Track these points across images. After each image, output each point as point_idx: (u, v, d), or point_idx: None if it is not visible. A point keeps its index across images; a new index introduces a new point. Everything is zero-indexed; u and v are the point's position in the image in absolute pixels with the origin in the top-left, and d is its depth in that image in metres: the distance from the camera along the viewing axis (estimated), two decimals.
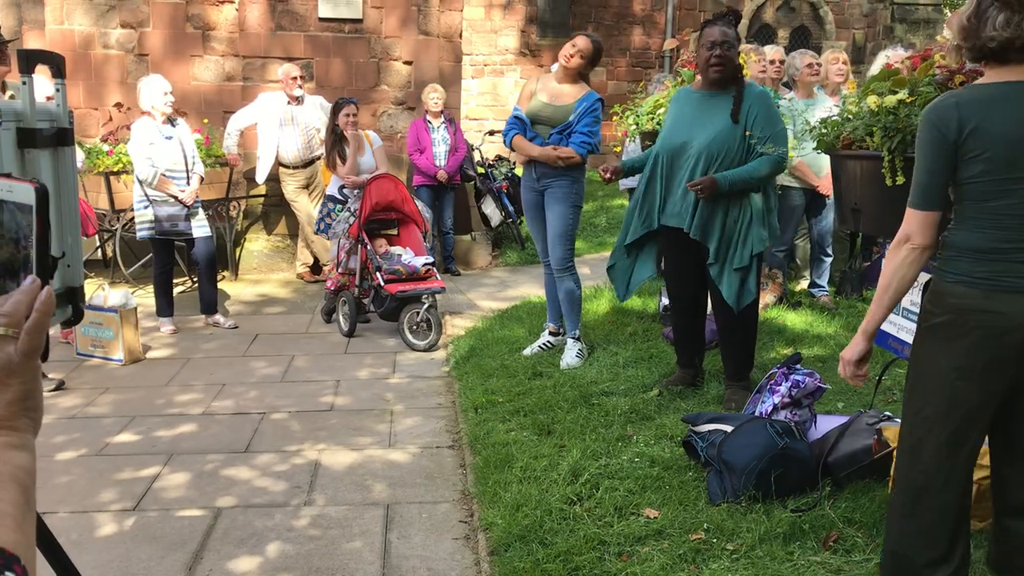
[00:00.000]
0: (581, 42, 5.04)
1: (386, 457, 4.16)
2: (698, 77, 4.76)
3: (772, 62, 6.16)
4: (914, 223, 2.30)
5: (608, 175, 4.48)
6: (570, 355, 5.05)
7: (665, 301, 5.36)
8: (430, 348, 5.93)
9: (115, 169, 7.19)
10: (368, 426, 4.57)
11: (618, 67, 16.24)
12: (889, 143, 3.05)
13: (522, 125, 5.09)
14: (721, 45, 4.13)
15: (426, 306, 5.96)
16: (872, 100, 3.15)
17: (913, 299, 3.45)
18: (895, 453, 2.60)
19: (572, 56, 5.00)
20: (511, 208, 9.21)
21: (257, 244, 8.46)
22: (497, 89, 16.00)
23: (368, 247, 6.21)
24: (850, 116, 3.34)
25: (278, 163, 7.82)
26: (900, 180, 3.02)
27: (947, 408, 2.31)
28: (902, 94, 3.12)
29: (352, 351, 5.98)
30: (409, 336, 6.00)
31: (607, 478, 3.52)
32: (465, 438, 4.28)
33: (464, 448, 4.20)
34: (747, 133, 4.08)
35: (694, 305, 4.55)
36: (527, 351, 5.33)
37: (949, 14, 22.95)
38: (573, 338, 5.14)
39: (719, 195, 4.09)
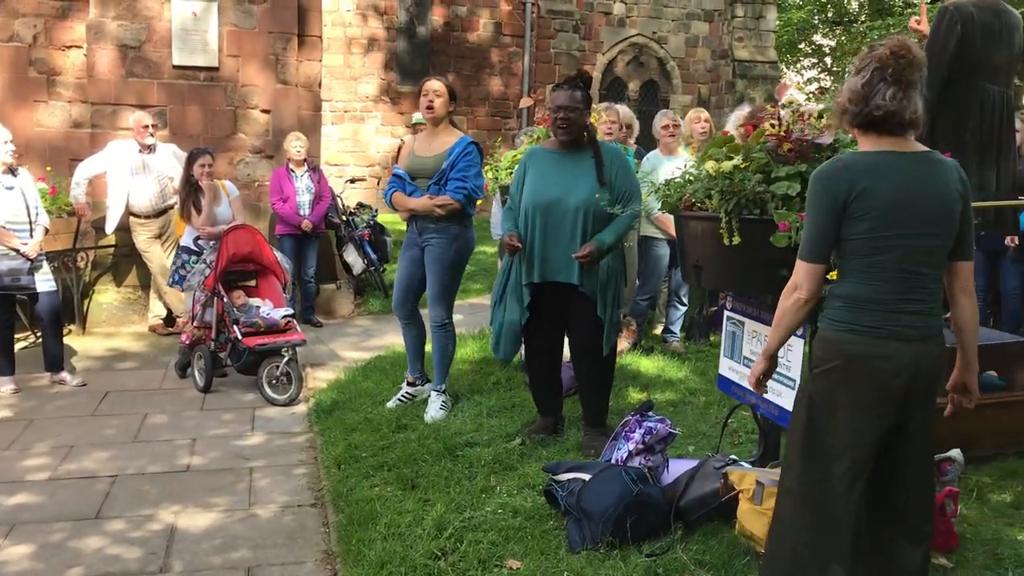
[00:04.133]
0: (432, 84, 5.07)
1: (247, 518, 4.08)
2: (551, 136, 4.97)
3: (619, 126, 6.43)
4: (802, 274, 2.54)
5: (515, 243, 4.43)
6: (434, 407, 5.09)
7: None
8: (291, 402, 5.84)
9: None
10: (227, 486, 4.47)
11: (478, 115, 16.57)
12: (726, 205, 3.28)
13: (401, 182, 5.09)
14: (565, 109, 4.34)
15: (286, 359, 5.89)
16: (710, 165, 3.38)
17: (754, 348, 3.70)
18: (777, 494, 2.76)
19: (432, 102, 5.04)
20: (373, 256, 9.21)
21: (107, 296, 8.13)
22: (358, 135, 16.02)
23: (225, 299, 6.09)
24: (691, 179, 3.57)
25: (129, 212, 7.58)
26: (736, 240, 3.25)
27: (849, 443, 2.51)
28: (737, 160, 3.37)
29: (209, 407, 5.82)
30: (268, 390, 5.90)
31: (471, 531, 3.57)
32: (328, 495, 4.25)
33: (327, 506, 4.17)
34: (597, 196, 4.26)
35: (552, 354, 4.69)
36: (391, 403, 5.33)
37: (785, 71, 24.36)
38: (438, 391, 5.19)
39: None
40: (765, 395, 3.33)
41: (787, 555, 2.64)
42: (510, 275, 4.55)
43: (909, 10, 19.97)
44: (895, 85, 2.45)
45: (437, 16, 16.36)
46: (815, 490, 2.58)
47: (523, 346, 4.79)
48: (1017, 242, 6.17)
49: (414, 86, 16.17)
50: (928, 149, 2.59)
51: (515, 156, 5.93)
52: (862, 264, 2.48)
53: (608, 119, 6.22)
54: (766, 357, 2.77)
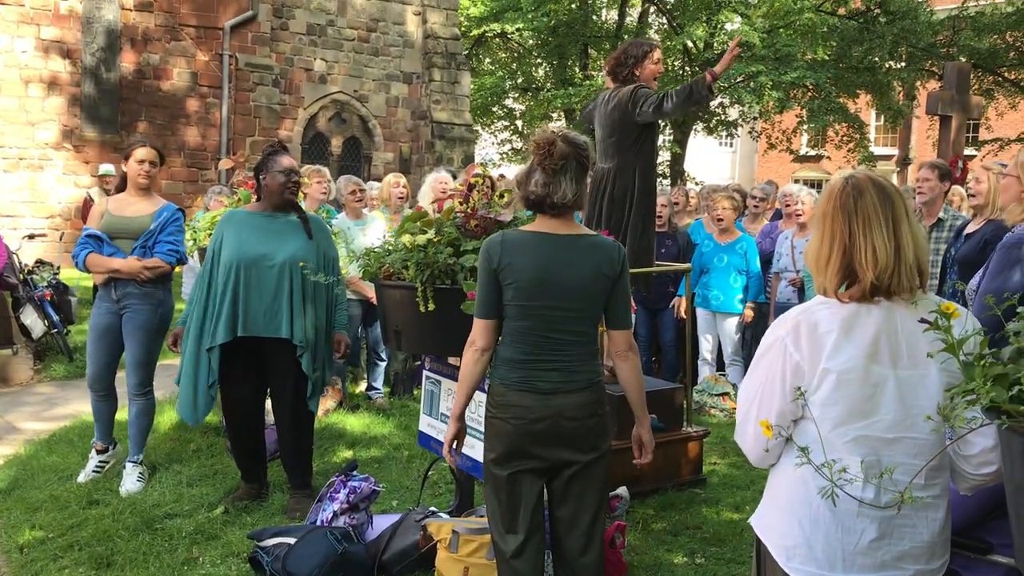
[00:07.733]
0: (147, 152, 4.96)
1: None
2: (253, 199, 5.04)
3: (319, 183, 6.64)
4: (476, 329, 2.89)
5: (176, 346, 4.65)
6: (130, 480, 4.87)
7: None
8: None
9: None
10: None
11: (173, 166, 15.93)
12: (421, 276, 3.56)
13: (97, 242, 4.84)
14: (297, 173, 4.57)
15: None
16: (406, 239, 3.65)
17: (451, 406, 3.99)
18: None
19: (148, 171, 4.96)
20: (56, 317, 8.57)
21: None
22: (36, 185, 14.81)
23: None
24: (390, 250, 3.81)
25: None
26: (431, 307, 3.54)
27: (494, 490, 2.88)
28: (430, 234, 3.67)
29: None
30: None
31: None
32: None
33: None
34: (301, 264, 4.40)
35: (254, 417, 4.69)
36: (81, 477, 5.03)
37: (481, 132, 25.75)
38: (134, 462, 4.98)
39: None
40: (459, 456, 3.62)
41: None
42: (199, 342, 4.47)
43: (588, 81, 21.98)
44: (543, 173, 2.84)
45: (127, 63, 15.62)
46: (495, 520, 2.92)
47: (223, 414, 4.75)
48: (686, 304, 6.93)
49: (102, 133, 15.28)
50: (589, 232, 2.98)
51: (214, 218, 5.88)
52: (512, 328, 2.86)
53: (318, 180, 6.43)
54: (454, 420, 2.98)
